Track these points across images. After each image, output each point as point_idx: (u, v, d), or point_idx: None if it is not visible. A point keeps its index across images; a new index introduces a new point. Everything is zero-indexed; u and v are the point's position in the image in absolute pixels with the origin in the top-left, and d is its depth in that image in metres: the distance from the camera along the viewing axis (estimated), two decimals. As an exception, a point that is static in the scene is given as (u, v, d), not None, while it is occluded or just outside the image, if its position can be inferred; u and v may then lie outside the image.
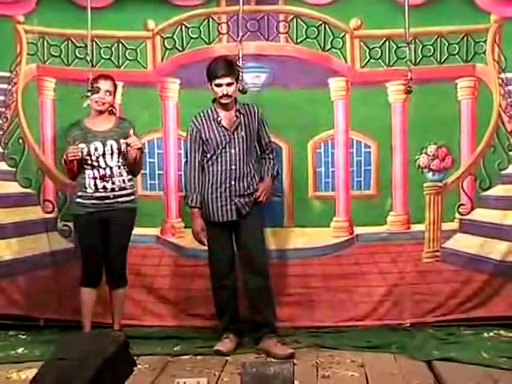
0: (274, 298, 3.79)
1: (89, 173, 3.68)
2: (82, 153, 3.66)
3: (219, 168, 3.69)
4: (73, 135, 3.70)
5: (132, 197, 3.76)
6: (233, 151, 3.68)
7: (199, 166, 3.71)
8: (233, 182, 3.67)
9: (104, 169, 3.68)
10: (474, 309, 4.11)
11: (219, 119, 3.70)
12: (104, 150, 3.68)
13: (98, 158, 3.68)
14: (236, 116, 3.71)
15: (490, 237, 4.09)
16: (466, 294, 4.10)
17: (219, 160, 3.69)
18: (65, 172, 3.89)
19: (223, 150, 3.68)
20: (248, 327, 3.82)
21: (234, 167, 3.68)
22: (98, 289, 3.73)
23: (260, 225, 3.77)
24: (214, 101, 3.73)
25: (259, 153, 3.81)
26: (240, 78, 3.63)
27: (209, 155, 3.70)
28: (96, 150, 3.68)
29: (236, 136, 3.69)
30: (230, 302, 3.77)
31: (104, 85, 3.67)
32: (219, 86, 3.62)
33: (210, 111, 3.73)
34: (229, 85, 3.62)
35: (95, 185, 3.67)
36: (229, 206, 3.68)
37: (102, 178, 3.67)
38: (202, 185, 3.72)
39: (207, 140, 3.70)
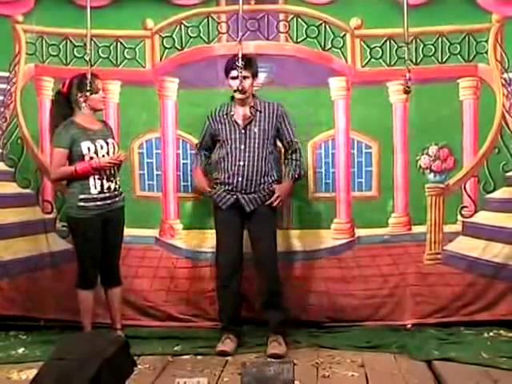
0: (283, 301, 3.90)
1: (93, 172, 3.71)
2: (89, 150, 3.73)
3: (228, 164, 3.82)
4: (70, 134, 3.70)
5: (123, 195, 3.88)
6: (242, 147, 3.80)
7: (203, 152, 3.93)
8: (240, 179, 3.80)
9: (109, 168, 3.75)
10: (477, 312, 4.20)
11: (231, 114, 3.83)
12: (108, 149, 3.78)
13: (103, 156, 3.74)
14: (251, 112, 3.82)
15: (494, 240, 4.18)
16: (468, 297, 4.20)
17: (228, 156, 3.82)
18: (66, 175, 3.78)
19: (232, 146, 3.81)
20: (248, 328, 3.98)
21: (241, 163, 3.79)
22: (95, 289, 3.83)
23: (271, 226, 3.87)
24: (232, 98, 3.88)
25: (282, 152, 3.91)
26: (240, 77, 3.68)
27: (219, 151, 3.85)
28: (102, 148, 3.76)
29: (247, 132, 3.80)
30: (231, 302, 3.90)
31: (100, 84, 3.79)
32: (235, 78, 3.73)
33: (226, 106, 3.88)
34: (244, 78, 3.71)
35: (101, 185, 3.73)
36: (232, 200, 3.81)
37: (109, 177, 3.75)
38: (213, 179, 3.92)
39: (218, 135, 3.85)
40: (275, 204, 3.81)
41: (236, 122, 3.83)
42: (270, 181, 3.84)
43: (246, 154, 3.80)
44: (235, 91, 3.75)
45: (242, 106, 3.85)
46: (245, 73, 3.72)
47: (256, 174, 3.80)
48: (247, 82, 3.77)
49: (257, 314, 4.00)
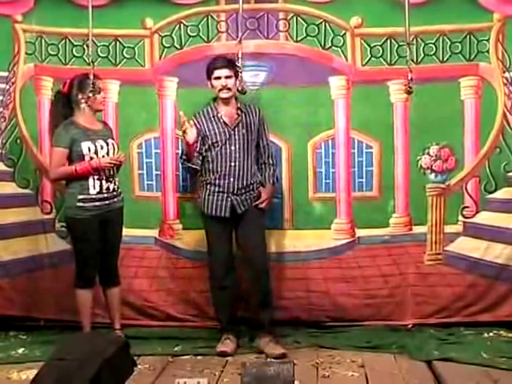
0: (273, 300, 3.97)
1: (93, 173, 3.73)
2: (89, 151, 3.76)
3: (218, 165, 3.87)
4: (71, 134, 3.73)
5: (122, 195, 3.92)
6: (233, 148, 3.87)
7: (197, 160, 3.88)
8: (232, 179, 3.86)
9: (109, 169, 3.79)
10: (478, 313, 4.23)
11: (219, 115, 3.89)
12: (108, 149, 3.82)
13: (103, 157, 3.77)
14: (237, 114, 3.89)
15: (495, 241, 4.21)
16: (469, 298, 4.23)
17: (219, 157, 3.87)
18: (65, 175, 3.80)
19: (223, 147, 3.87)
20: (245, 328, 4.02)
21: (233, 164, 3.86)
22: (93, 288, 3.86)
23: (262, 226, 3.96)
24: (214, 100, 3.94)
25: (258, 156, 3.98)
26: (239, 77, 3.71)
27: (208, 153, 3.88)
28: (102, 148, 3.80)
29: (236, 133, 3.87)
30: (229, 302, 3.96)
31: (100, 84, 3.82)
32: (218, 78, 3.82)
33: (209, 108, 3.93)
34: (227, 77, 3.80)
35: (100, 186, 3.76)
36: (224, 202, 3.86)
37: (108, 178, 3.79)
38: (200, 181, 3.93)
39: (207, 136, 3.88)
40: (263, 206, 3.91)
41: (225, 123, 3.88)
42: (258, 181, 3.94)
43: (237, 155, 3.87)
44: (219, 91, 3.83)
45: (226, 106, 3.91)
46: (228, 72, 3.80)
47: (247, 175, 3.88)
48: (231, 82, 3.82)
49: (253, 313, 4.02)
